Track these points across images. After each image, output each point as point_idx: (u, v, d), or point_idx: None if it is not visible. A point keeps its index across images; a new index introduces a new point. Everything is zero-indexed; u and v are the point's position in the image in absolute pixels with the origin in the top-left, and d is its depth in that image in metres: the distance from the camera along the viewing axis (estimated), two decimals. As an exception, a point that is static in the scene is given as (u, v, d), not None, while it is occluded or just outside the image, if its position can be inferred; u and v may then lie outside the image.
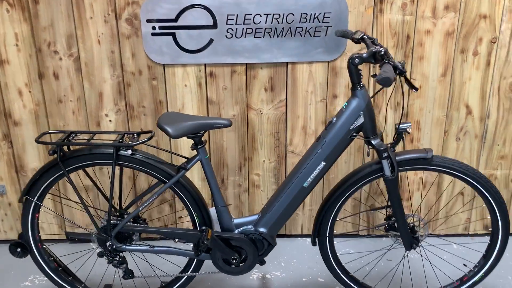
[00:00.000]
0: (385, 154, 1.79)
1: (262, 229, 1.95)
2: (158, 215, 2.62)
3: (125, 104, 2.43)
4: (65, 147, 1.86)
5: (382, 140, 1.81)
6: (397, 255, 2.37)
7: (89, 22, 2.29)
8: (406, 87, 1.73)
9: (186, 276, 2.04)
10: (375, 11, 2.27)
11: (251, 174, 2.56)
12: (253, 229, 1.96)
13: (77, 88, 2.40)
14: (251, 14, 2.27)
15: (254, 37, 2.31)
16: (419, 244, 1.97)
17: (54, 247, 2.17)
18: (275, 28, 2.29)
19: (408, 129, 1.78)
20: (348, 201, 2.40)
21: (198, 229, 1.97)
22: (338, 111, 1.84)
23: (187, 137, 1.81)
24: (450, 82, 2.38)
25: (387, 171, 1.82)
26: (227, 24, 2.29)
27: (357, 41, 1.83)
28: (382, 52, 1.57)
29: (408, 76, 1.76)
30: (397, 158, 1.84)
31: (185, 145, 2.49)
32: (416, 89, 1.55)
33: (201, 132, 1.82)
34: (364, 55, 1.68)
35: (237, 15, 2.27)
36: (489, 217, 1.96)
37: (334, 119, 1.81)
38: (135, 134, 1.89)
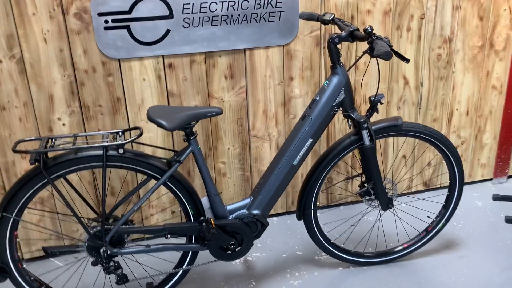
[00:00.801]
0: (365, 125, 1.95)
1: (255, 211, 2.01)
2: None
3: (79, 105, 2.29)
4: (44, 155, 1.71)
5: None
6: (370, 220, 2.59)
7: (32, 19, 2.11)
8: (381, 61, 1.89)
9: (181, 271, 2.02)
10: (323, -6, 2.41)
11: (216, 163, 2.58)
12: (247, 212, 2.00)
13: (22, 93, 2.20)
14: (206, 2, 2.27)
15: (211, 25, 2.32)
16: (393, 204, 2.18)
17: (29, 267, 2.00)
18: (231, 16, 2.32)
19: (381, 100, 1.95)
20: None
21: (192, 221, 1.95)
22: (319, 89, 1.95)
23: (178, 129, 1.78)
24: (376, 60, 2.61)
25: (367, 141, 1.98)
26: (183, 13, 2.26)
27: (327, 23, 1.95)
28: (370, 30, 1.71)
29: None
30: (373, 127, 2.01)
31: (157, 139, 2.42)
32: (408, 60, 1.71)
33: (192, 123, 1.81)
34: (343, 34, 1.81)
35: (193, 3, 2.25)
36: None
37: (318, 97, 1.91)
38: (119, 133, 1.81)
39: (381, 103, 1.98)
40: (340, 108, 1.95)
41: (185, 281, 2.21)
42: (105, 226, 1.81)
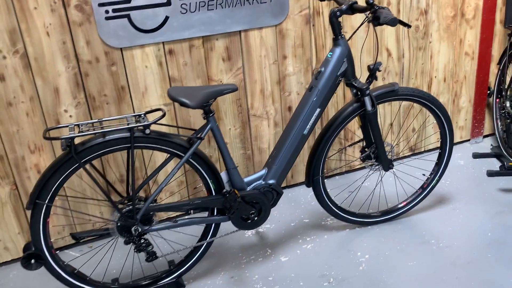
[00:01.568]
0: (367, 92, 2.10)
1: (271, 181, 2.13)
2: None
3: (85, 96, 2.33)
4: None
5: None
6: (371, 183, 2.80)
7: (34, 13, 2.13)
8: (369, 36, 2.03)
9: (205, 243, 2.12)
10: (310, -26, 2.55)
11: (220, 143, 2.68)
12: (263, 183, 2.12)
13: (28, 87, 2.22)
14: (202, -12, 2.35)
15: (208, 9, 2.40)
16: (393, 164, 2.35)
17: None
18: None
19: (380, 68, 2.11)
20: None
21: (214, 194, 2.05)
22: (323, 60, 2.09)
23: (199, 108, 1.87)
24: (374, 30, 2.79)
25: (369, 106, 2.14)
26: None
27: (324, -1, 2.08)
28: (371, 1, 1.85)
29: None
30: (373, 94, 2.17)
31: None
32: (409, 26, 1.87)
33: (210, 101, 1.90)
34: (344, 7, 1.95)
35: (189, -10, 2.33)
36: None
37: (323, 69, 2.05)
38: (142, 115, 1.88)
39: (379, 71, 2.14)
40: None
41: (205, 257, 2.31)
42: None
